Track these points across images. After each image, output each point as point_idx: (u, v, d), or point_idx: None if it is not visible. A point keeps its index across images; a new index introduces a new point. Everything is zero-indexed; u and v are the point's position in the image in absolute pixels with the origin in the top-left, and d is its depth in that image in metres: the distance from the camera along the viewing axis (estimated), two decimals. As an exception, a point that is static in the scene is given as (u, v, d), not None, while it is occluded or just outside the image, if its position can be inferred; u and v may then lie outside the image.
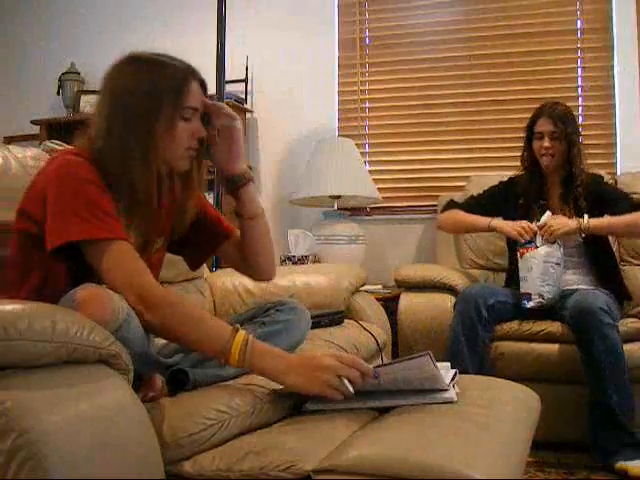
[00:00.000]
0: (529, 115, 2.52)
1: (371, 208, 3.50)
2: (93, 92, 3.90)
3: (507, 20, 3.39)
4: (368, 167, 3.47)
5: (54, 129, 3.77)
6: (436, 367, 1.15)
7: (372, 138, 3.58)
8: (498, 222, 2.44)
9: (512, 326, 2.34)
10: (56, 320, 0.87)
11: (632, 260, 2.84)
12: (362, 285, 2.32)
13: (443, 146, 3.45)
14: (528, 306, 2.30)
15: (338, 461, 0.96)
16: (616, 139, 3.21)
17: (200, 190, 1.44)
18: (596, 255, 2.44)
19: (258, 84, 3.61)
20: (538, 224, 2.33)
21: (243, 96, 3.58)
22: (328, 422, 1.13)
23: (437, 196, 3.30)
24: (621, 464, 1.98)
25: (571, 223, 2.30)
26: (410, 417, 1.12)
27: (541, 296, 2.28)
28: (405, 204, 3.48)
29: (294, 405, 1.22)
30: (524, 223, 2.36)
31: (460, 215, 2.56)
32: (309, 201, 3.27)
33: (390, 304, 2.72)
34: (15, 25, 4.13)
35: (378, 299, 2.62)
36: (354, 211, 3.45)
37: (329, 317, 1.90)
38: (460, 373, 1.32)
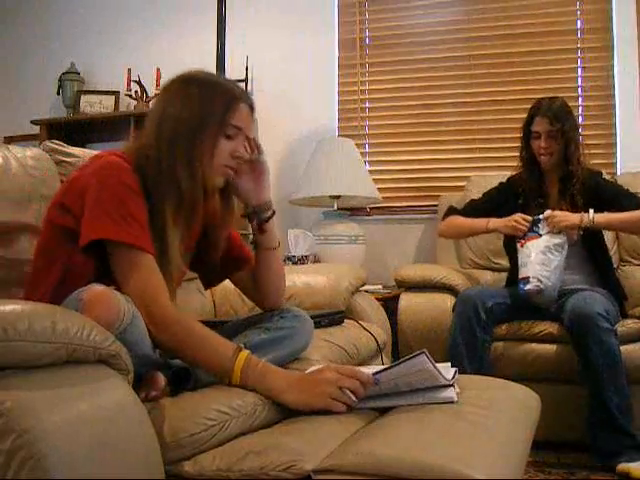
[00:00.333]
0: (529, 115, 2.51)
1: (371, 208, 3.50)
2: (93, 92, 3.91)
3: (507, 20, 3.39)
4: (368, 167, 3.47)
5: (54, 129, 3.78)
6: (433, 364, 1.15)
7: (372, 138, 3.58)
8: (494, 223, 2.43)
9: (512, 326, 2.34)
10: (56, 320, 0.87)
11: (632, 260, 2.84)
12: (362, 285, 2.32)
13: (443, 146, 3.45)
14: (525, 289, 2.27)
15: (338, 461, 0.96)
16: (616, 139, 3.21)
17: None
18: (593, 256, 2.43)
19: (258, 84, 3.62)
20: (542, 216, 2.32)
21: (243, 96, 3.57)
22: (328, 422, 1.13)
23: (437, 196, 3.30)
24: (623, 465, 1.97)
25: (574, 217, 2.29)
26: (410, 417, 1.12)
27: (539, 280, 2.25)
28: (405, 204, 3.48)
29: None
30: (517, 217, 2.35)
31: (459, 221, 2.56)
32: (309, 201, 3.27)
33: (390, 304, 2.72)
34: (15, 25, 4.13)
35: (378, 299, 2.62)
36: (354, 211, 3.45)
37: (329, 317, 1.90)
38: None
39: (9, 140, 3.88)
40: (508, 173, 2.69)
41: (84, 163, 1.35)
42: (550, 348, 2.29)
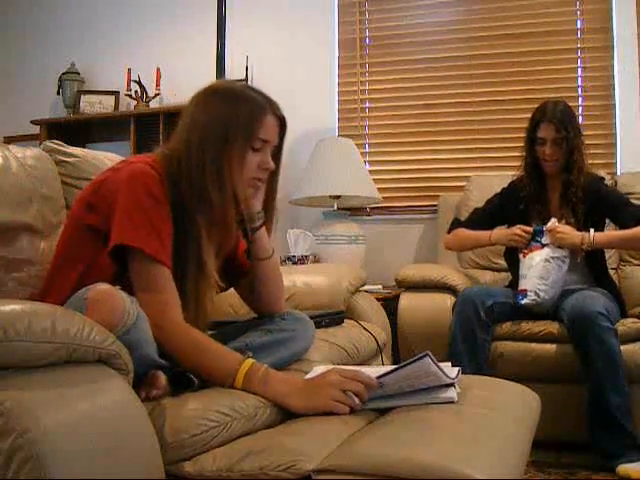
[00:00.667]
0: (529, 115, 2.49)
1: (371, 208, 3.50)
2: (93, 92, 3.91)
3: (507, 20, 3.39)
4: (368, 167, 3.47)
5: (54, 129, 3.78)
6: (437, 365, 1.15)
7: (372, 138, 3.58)
8: (497, 235, 2.43)
9: (512, 326, 2.34)
10: (56, 320, 0.87)
11: (632, 260, 2.84)
12: (362, 285, 2.32)
13: (443, 146, 3.45)
14: (522, 302, 2.28)
15: (339, 461, 0.96)
16: (616, 139, 3.21)
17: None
18: (590, 256, 2.42)
19: (258, 84, 3.58)
20: (546, 227, 2.32)
21: (243, 96, 3.57)
22: (328, 422, 1.13)
23: (437, 196, 3.31)
24: (623, 467, 1.97)
25: (575, 236, 2.28)
26: (410, 417, 1.12)
27: (537, 294, 2.27)
28: (405, 204, 3.48)
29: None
30: (517, 229, 2.35)
31: (463, 233, 2.55)
32: (309, 201, 3.27)
33: (390, 304, 2.72)
34: (15, 25, 4.13)
35: (378, 299, 2.62)
36: (354, 211, 3.45)
37: (329, 317, 1.90)
38: (459, 374, 1.31)
39: (9, 140, 3.88)
40: (508, 173, 2.68)
41: (114, 165, 1.38)
42: (550, 348, 2.29)
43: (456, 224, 2.63)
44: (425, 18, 3.51)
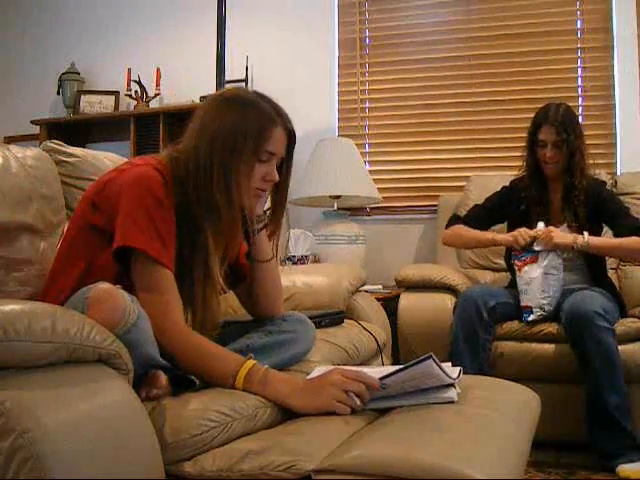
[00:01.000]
0: (529, 115, 2.50)
1: (371, 208, 3.50)
2: (93, 92, 3.91)
3: (507, 20, 3.39)
4: (368, 167, 3.47)
5: (54, 129, 3.78)
6: (440, 367, 1.15)
7: (372, 138, 3.58)
8: (500, 236, 2.42)
9: (512, 326, 2.34)
10: (56, 320, 0.87)
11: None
12: (362, 285, 2.32)
13: (443, 146, 3.45)
14: (530, 319, 2.29)
15: (338, 461, 0.96)
16: (616, 139, 3.21)
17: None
18: (591, 255, 2.42)
19: (258, 84, 3.61)
20: (534, 231, 2.31)
21: (243, 96, 3.57)
22: (328, 422, 1.13)
23: (437, 196, 3.31)
24: (622, 467, 1.97)
25: (568, 237, 2.28)
26: (410, 417, 1.12)
27: (542, 309, 2.28)
28: (405, 204, 3.48)
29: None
30: (521, 230, 2.34)
31: (463, 231, 2.54)
32: (309, 201, 3.27)
33: (390, 304, 2.72)
34: (15, 25, 4.13)
35: (378, 299, 2.62)
36: (354, 211, 3.45)
37: (329, 317, 1.90)
38: (460, 374, 1.31)
39: (9, 140, 3.88)
40: (508, 173, 2.68)
41: (120, 166, 1.38)
42: (550, 348, 2.29)
43: (454, 220, 2.62)
44: (425, 18, 3.51)
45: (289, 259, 3.08)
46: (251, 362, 1.21)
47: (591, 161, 2.45)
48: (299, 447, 1.01)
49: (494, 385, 1.43)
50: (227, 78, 3.12)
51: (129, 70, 3.75)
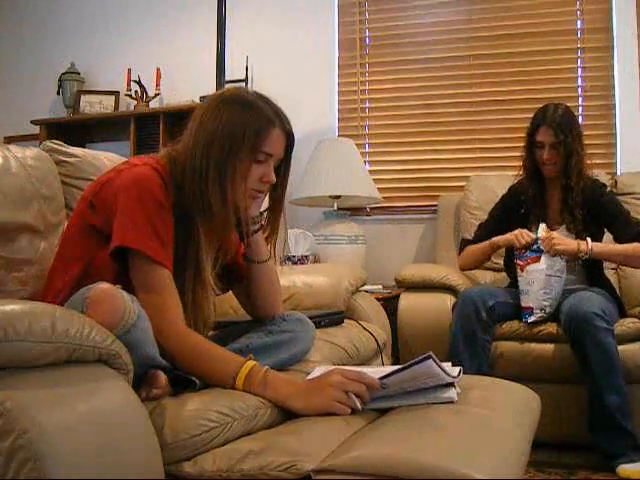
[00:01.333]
0: (529, 115, 2.49)
1: (371, 208, 3.50)
2: (93, 92, 3.91)
3: (507, 20, 3.39)
4: (368, 167, 3.47)
5: (54, 129, 3.78)
6: (440, 366, 1.15)
7: (372, 138, 3.58)
8: (496, 237, 2.42)
9: (512, 326, 2.34)
10: (56, 320, 0.87)
11: (632, 260, 2.84)
12: (362, 285, 2.32)
13: (443, 146, 3.45)
14: (530, 320, 2.29)
15: (338, 461, 0.95)
16: (616, 139, 3.21)
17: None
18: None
19: (258, 84, 3.61)
20: (537, 236, 2.31)
21: (243, 96, 3.57)
22: (328, 422, 1.13)
23: (437, 196, 3.31)
24: (623, 468, 1.97)
25: (571, 244, 2.27)
26: (410, 417, 1.12)
27: (543, 310, 2.28)
28: (405, 204, 3.48)
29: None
30: (522, 230, 2.34)
31: (471, 250, 2.55)
32: (309, 201, 3.27)
33: (390, 304, 2.72)
34: (15, 25, 4.13)
35: (378, 299, 2.62)
36: (354, 211, 3.45)
37: (329, 317, 1.90)
38: (459, 374, 1.31)
39: (9, 140, 3.88)
40: (508, 173, 2.68)
41: (118, 166, 1.38)
42: (550, 348, 2.29)
43: (464, 244, 2.63)
44: (425, 18, 3.51)
45: (289, 259, 3.08)
46: (251, 363, 1.21)
47: (590, 161, 2.45)
48: (299, 447, 1.01)
49: (494, 385, 1.43)
50: (227, 78, 3.12)
51: (129, 70, 3.74)
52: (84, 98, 3.87)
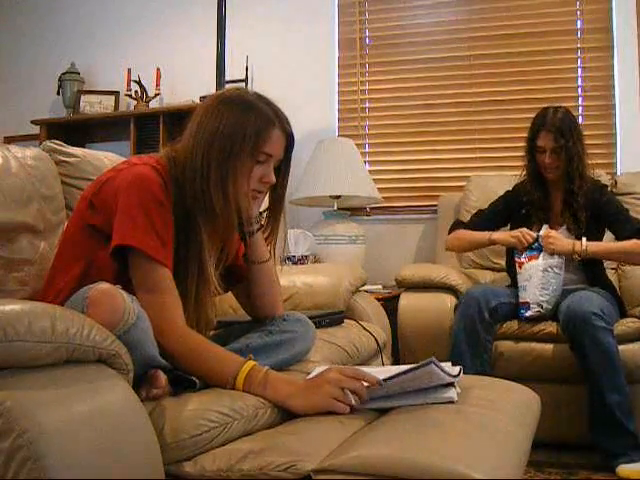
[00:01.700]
0: (529, 115, 2.50)
1: (371, 208, 3.50)
2: (93, 92, 3.91)
3: (507, 20, 3.39)
4: (368, 167, 3.47)
5: (54, 129, 3.78)
6: (442, 369, 1.15)
7: (372, 138, 3.58)
8: (497, 234, 2.44)
9: (512, 326, 2.34)
10: (55, 320, 0.87)
11: (632, 260, 2.84)
12: (362, 285, 2.32)
13: (443, 146, 3.45)
14: (526, 315, 2.30)
15: (338, 461, 0.95)
16: (616, 139, 3.21)
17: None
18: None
19: (258, 84, 3.61)
20: (539, 234, 2.32)
21: (243, 96, 3.58)
22: (328, 422, 1.12)
23: (437, 196, 3.31)
24: (623, 468, 1.97)
25: (567, 244, 2.29)
26: (410, 417, 1.12)
27: (540, 306, 2.28)
28: (405, 204, 3.48)
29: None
30: (523, 230, 2.35)
31: (462, 234, 2.56)
32: (309, 201, 3.27)
33: (390, 304, 2.72)
34: (15, 25, 4.13)
35: (378, 299, 2.62)
36: (354, 211, 3.45)
37: (329, 317, 1.90)
38: (461, 374, 1.31)
39: (9, 140, 3.88)
40: (508, 173, 2.68)
41: (117, 165, 1.38)
42: (550, 348, 2.29)
43: (457, 225, 2.63)
44: (425, 18, 3.51)
45: (289, 259, 3.08)
46: (251, 363, 1.21)
47: (591, 161, 2.45)
48: (299, 447, 1.01)
49: (494, 385, 1.43)
50: (227, 78, 3.12)
51: (129, 70, 3.74)
52: (84, 98, 3.87)
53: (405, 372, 1.14)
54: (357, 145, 3.33)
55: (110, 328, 0.99)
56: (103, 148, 3.45)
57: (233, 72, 3.44)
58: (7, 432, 0.77)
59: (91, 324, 0.93)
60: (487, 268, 2.96)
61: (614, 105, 3.21)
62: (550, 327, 2.29)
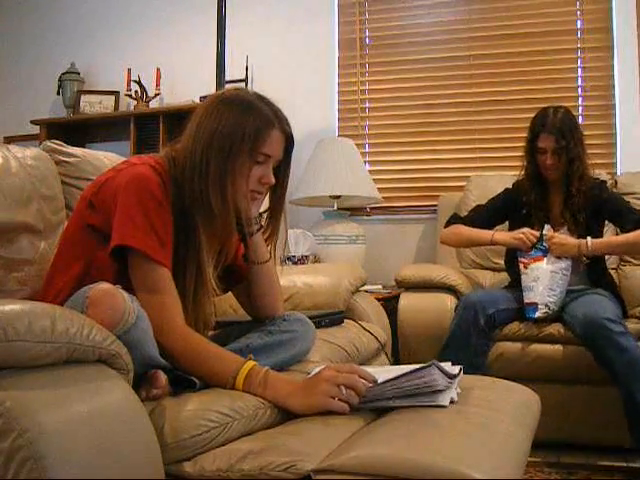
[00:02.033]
0: (529, 115, 2.49)
1: (371, 208, 3.50)
2: (93, 92, 3.91)
3: (507, 20, 3.39)
4: (368, 167, 3.47)
5: (54, 129, 3.79)
6: (443, 371, 1.15)
7: (372, 138, 3.58)
8: (500, 235, 2.43)
9: (512, 327, 2.34)
10: (55, 320, 0.87)
11: (632, 260, 2.84)
12: (362, 285, 2.32)
13: (443, 146, 3.45)
14: (535, 316, 2.28)
15: (338, 461, 0.95)
16: (616, 139, 3.21)
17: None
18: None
19: (258, 84, 3.61)
20: (543, 233, 2.32)
21: (243, 96, 3.58)
22: (328, 422, 1.12)
23: (437, 196, 3.31)
24: None
25: (572, 244, 2.28)
26: (410, 417, 1.12)
27: (547, 306, 2.27)
28: (405, 204, 3.48)
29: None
30: (525, 230, 2.35)
31: (461, 229, 2.54)
32: (309, 201, 3.27)
33: (390, 304, 2.72)
34: (15, 25, 4.13)
35: (378, 299, 2.62)
36: (354, 211, 3.45)
37: (329, 317, 1.90)
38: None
39: (9, 140, 3.88)
40: (508, 173, 2.67)
41: (117, 165, 1.38)
42: (550, 348, 2.28)
43: (454, 219, 2.62)
44: (425, 18, 3.51)
45: (289, 259, 3.08)
46: (251, 363, 1.21)
47: (591, 161, 2.45)
48: (299, 447, 1.01)
49: (494, 385, 1.43)
50: (227, 78, 3.12)
51: (129, 70, 3.75)
52: (84, 98, 3.87)
53: (405, 374, 1.14)
54: (357, 145, 3.33)
55: (110, 328, 0.99)
56: (103, 148, 3.46)
57: (233, 72, 3.44)
58: (7, 432, 0.77)
59: (91, 324, 0.93)
60: (487, 268, 2.96)
61: (614, 105, 3.21)
62: (551, 328, 2.29)
